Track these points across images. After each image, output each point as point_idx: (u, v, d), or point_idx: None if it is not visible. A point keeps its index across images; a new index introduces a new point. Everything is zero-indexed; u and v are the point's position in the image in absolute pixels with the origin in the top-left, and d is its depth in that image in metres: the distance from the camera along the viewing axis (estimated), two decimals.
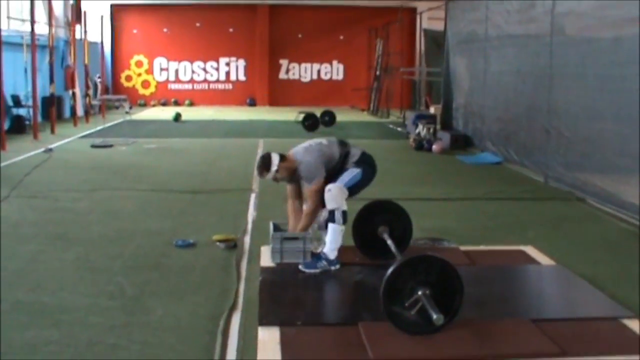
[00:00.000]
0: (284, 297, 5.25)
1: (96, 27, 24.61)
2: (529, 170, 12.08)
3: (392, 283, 4.28)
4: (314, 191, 5.87)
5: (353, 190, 5.91)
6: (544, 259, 6.38)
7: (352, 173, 5.89)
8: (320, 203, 5.85)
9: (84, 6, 22.81)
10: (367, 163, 6.05)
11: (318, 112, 20.14)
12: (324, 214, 6.02)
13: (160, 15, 29.35)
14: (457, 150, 15.11)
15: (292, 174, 6.06)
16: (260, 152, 13.96)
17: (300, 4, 29.67)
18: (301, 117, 19.84)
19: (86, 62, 22.06)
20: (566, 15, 11.02)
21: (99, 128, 18.51)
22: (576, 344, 4.24)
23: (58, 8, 21.17)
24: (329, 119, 20.22)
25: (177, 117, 21.62)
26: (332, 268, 5.79)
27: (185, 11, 29.26)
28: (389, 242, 5.73)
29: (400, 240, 5.87)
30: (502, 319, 4.70)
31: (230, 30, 30.09)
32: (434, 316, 4.13)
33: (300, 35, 30.48)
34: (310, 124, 19.12)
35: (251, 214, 8.40)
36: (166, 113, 23.92)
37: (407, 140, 16.58)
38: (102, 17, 24.65)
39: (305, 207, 6.09)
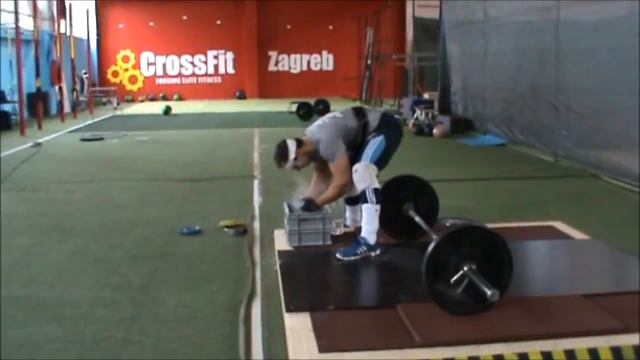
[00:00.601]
0: (309, 281, 4.79)
1: (82, 23, 24.07)
2: (536, 150, 11.69)
3: (435, 259, 3.83)
4: (339, 169, 5.37)
5: (382, 161, 5.41)
6: (576, 234, 5.96)
7: (374, 144, 5.35)
8: (350, 178, 5.35)
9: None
10: (388, 125, 5.52)
11: (310, 102, 19.73)
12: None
13: (146, 9, 28.79)
14: (458, 134, 14.70)
15: (314, 157, 5.55)
16: (256, 141, 13.56)
17: None
18: (293, 107, 19.54)
19: (72, 56, 21.51)
20: None
21: (87, 123, 18.02)
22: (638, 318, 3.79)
23: (42, 1, 20.65)
24: (322, 107, 19.79)
25: (167, 110, 21.13)
26: (373, 254, 5.19)
27: (171, 4, 28.70)
28: (417, 218, 5.29)
29: (426, 217, 5.41)
30: (552, 296, 4.26)
31: (218, 22, 29.60)
32: (489, 292, 3.68)
33: (288, 26, 30.05)
34: (304, 112, 18.85)
35: (257, 200, 7.94)
36: (155, 108, 23.39)
37: (406, 127, 16.10)
38: (87, 10, 24.11)
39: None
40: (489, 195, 8.34)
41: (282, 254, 5.30)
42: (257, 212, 7.28)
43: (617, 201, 7.96)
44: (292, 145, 5.43)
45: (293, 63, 30.97)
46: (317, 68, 31.03)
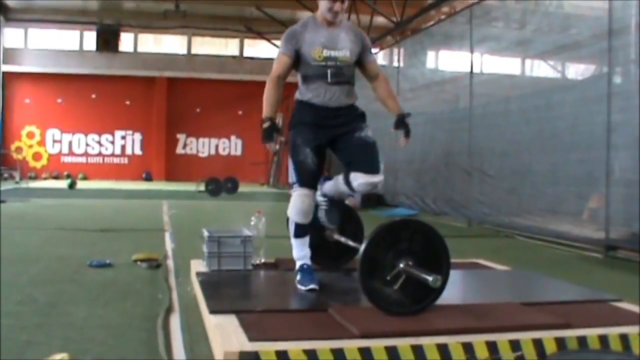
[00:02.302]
0: (232, 291, 4.48)
1: None
2: (449, 218, 11.75)
3: (371, 252, 3.63)
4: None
5: None
6: (499, 267, 5.99)
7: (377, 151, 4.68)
8: None
9: None
10: None
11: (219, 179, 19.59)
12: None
13: (55, 85, 28.26)
14: (369, 209, 14.64)
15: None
16: (165, 208, 13.17)
17: (199, 77, 29.21)
18: (202, 187, 19.31)
19: None
20: (485, 54, 10.95)
21: None
22: (577, 319, 3.68)
23: None
24: (231, 185, 19.69)
25: (72, 184, 20.55)
26: None
27: (81, 81, 28.29)
28: (343, 239, 5.10)
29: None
30: (491, 303, 4.11)
31: (127, 102, 29.32)
32: (430, 278, 3.51)
33: (198, 110, 30.03)
34: (213, 188, 18.64)
35: (169, 245, 7.61)
36: (60, 184, 22.72)
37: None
38: None
39: (383, 84, 4.73)
40: None
41: (200, 274, 4.99)
42: (170, 253, 6.95)
43: (534, 252, 8.12)
44: None
45: (201, 147, 30.84)
46: (226, 152, 30.96)
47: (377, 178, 4.51)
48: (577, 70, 9.97)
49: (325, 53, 4.48)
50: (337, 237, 5.24)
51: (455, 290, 4.44)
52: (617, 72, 8.15)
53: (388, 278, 3.64)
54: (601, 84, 8.03)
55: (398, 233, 3.73)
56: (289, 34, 4.56)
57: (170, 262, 6.35)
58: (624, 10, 7.92)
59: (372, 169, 4.52)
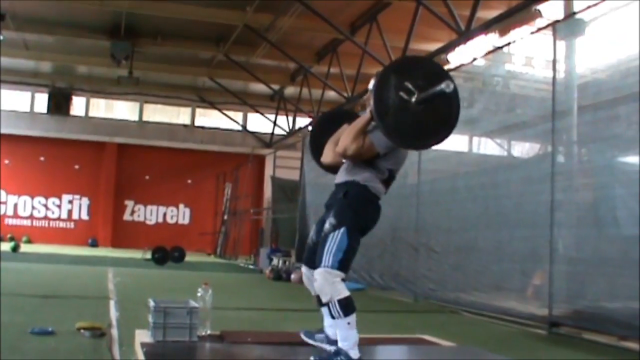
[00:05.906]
0: None
1: None
2: (395, 293, 11.82)
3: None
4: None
5: (348, 260, 4.45)
6: (444, 342, 5.99)
7: (334, 241, 4.43)
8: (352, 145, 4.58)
9: None
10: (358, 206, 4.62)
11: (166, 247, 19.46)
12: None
13: (3, 146, 27.68)
14: None
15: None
16: (110, 276, 13.00)
17: (149, 144, 29.13)
18: (147, 255, 19.17)
19: None
20: None
21: None
22: None
23: None
24: (178, 254, 19.58)
25: (16, 247, 20.21)
26: None
27: (29, 143, 27.92)
28: None
29: None
30: None
31: (76, 167, 29.06)
32: (442, 84, 3.98)
33: (147, 177, 29.90)
34: (160, 257, 18.51)
35: (114, 313, 7.50)
36: (3, 246, 22.24)
37: (263, 275, 16.28)
38: None
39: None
40: None
41: (145, 344, 4.93)
42: (114, 322, 6.85)
43: (479, 329, 8.22)
44: None
45: (149, 214, 30.57)
46: (173, 221, 30.72)
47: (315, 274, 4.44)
48: (522, 149, 10.22)
49: None
50: None
51: None
52: (560, 152, 8.41)
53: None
54: (545, 163, 8.27)
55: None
56: None
57: (114, 331, 6.27)
58: (567, 94, 8.24)
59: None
